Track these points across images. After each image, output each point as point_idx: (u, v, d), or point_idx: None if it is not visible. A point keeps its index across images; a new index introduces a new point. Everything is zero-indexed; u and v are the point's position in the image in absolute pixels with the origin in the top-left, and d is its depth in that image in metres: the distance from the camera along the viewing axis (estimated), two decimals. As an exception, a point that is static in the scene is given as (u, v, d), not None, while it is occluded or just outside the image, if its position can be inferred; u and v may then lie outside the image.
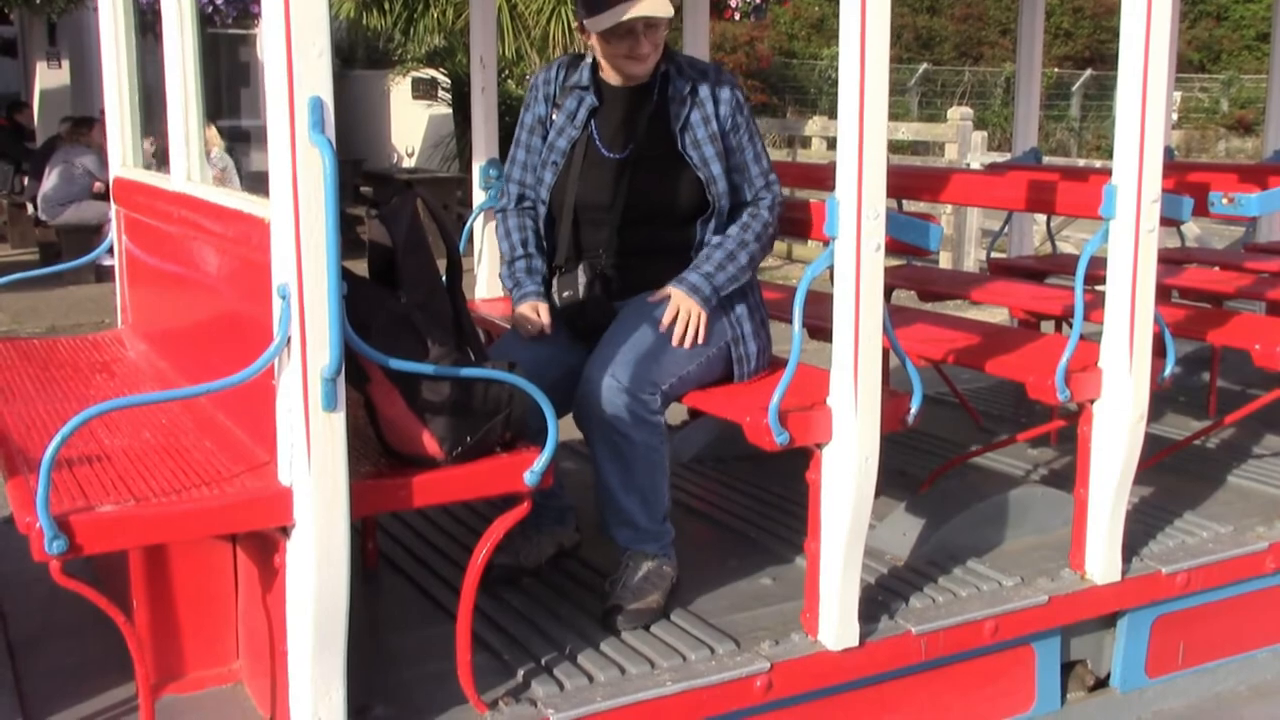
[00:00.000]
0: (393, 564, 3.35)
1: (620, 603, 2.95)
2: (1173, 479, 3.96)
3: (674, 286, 3.04)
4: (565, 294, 3.13)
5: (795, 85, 25.17)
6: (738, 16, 14.64)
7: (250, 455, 2.38)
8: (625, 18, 2.96)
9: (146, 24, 3.84)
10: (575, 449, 3.74)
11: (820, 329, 3.16)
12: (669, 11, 2.99)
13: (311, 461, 2.18)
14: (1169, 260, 4.85)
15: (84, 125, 12.13)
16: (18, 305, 10.01)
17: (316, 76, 2.09)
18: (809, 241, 13.82)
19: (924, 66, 25.50)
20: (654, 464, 3.01)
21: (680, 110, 3.10)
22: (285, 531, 2.25)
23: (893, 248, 2.88)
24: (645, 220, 3.13)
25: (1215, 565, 3.44)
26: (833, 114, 14.21)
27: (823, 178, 4.43)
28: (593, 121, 3.16)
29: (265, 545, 2.39)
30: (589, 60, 3.19)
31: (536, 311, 3.10)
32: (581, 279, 3.12)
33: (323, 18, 2.09)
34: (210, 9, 10.35)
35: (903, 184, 4.19)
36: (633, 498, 3.02)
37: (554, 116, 3.21)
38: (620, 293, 3.14)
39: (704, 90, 3.11)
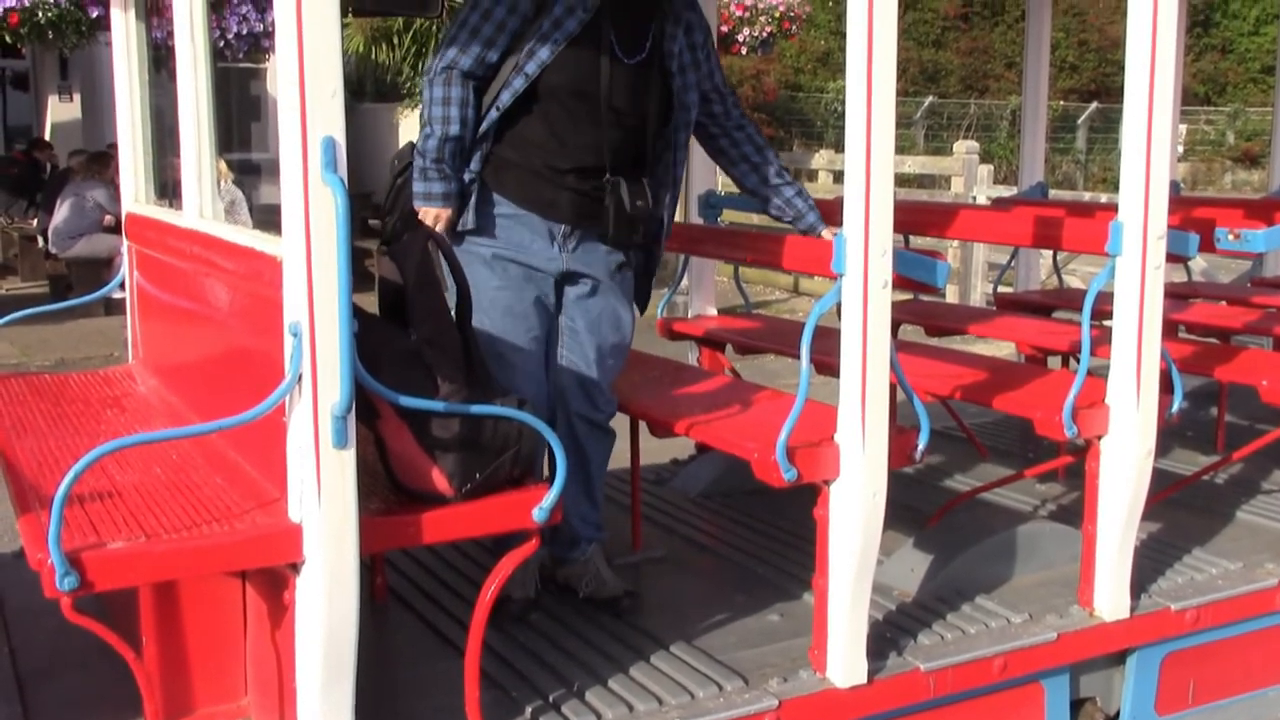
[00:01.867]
0: (401, 599, 3.35)
1: (623, 590, 3.24)
2: (1181, 515, 3.95)
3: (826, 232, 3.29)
4: (638, 203, 3.07)
5: (801, 118, 25.27)
6: (745, 50, 14.75)
7: (260, 491, 2.39)
8: None
9: (160, 59, 3.88)
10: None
11: (827, 364, 3.17)
12: None
13: (321, 498, 2.19)
14: (1175, 295, 4.86)
15: (100, 161, 12.21)
16: (27, 338, 10.06)
17: (329, 116, 2.11)
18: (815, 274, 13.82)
19: (930, 99, 25.60)
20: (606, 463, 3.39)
21: (674, 30, 3.11)
22: (295, 568, 2.26)
23: (900, 284, 2.89)
24: (655, 136, 3.15)
25: (1225, 602, 3.43)
26: (839, 147, 14.24)
27: (830, 213, 4.44)
28: (607, 15, 3.00)
29: (275, 581, 2.39)
30: None
31: (439, 220, 3.00)
32: (649, 194, 3.10)
33: (336, 59, 2.11)
34: (222, 43, 10.44)
35: (910, 219, 4.21)
36: (596, 497, 3.35)
37: None
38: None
39: (692, 16, 3.17)
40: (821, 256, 2.82)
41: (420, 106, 3.06)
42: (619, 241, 3.13)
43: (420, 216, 2.97)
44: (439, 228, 2.97)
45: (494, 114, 3.01)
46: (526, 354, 3.08)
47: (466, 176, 3.04)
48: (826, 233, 3.28)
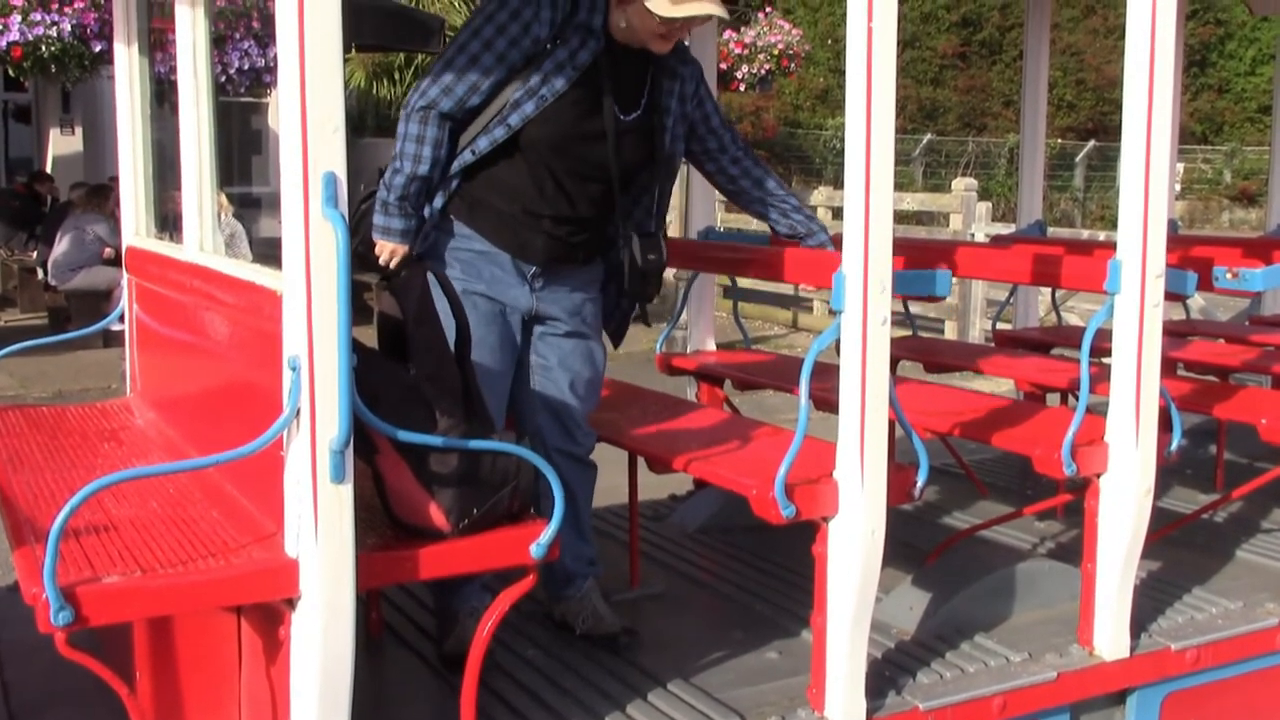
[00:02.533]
0: (397, 635, 3.33)
1: (620, 626, 3.22)
2: (1181, 553, 3.94)
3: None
4: (650, 257, 3.15)
5: (800, 155, 25.40)
6: (743, 87, 14.84)
7: (257, 526, 2.38)
8: (699, 13, 2.92)
9: (161, 93, 3.90)
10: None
11: (826, 400, 3.17)
12: (726, 14, 3.04)
13: (319, 533, 2.18)
14: (1174, 332, 4.86)
15: (100, 194, 12.25)
16: (25, 369, 10.05)
17: (331, 152, 2.12)
18: (814, 310, 13.92)
19: (928, 137, 25.74)
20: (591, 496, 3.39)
21: (670, 84, 3.15)
22: (291, 603, 2.24)
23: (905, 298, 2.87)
24: (645, 189, 3.20)
25: (1225, 642, 3.41)
26: (838, 184, 14.25)
27: (829, 249, 4.45)
28: (601, 73, 3.02)
29: (270, 617, 2.38)
30: (598, 1, 3.02)
31: (394, 255, 2.97)
32: (664, 247, 3.17)
33: (338, 95, 2.12)
34: (224, 78, 10.49)
35: (909, 257, 4.21)
36: (585, 531, 3.33)
37: (551, 45, 2.97)
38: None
39: (684, 69, 3.18)
40: (825, 267, 2.81)
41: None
42: (635, 295, 3.22)
43: (376, 250, 2.98)
44: (394, 263, 2.96)
45: (469, 156, 3.01)
46: (490, 389, 3.06)
47: (426, 211, 3.04)
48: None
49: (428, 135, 2.95)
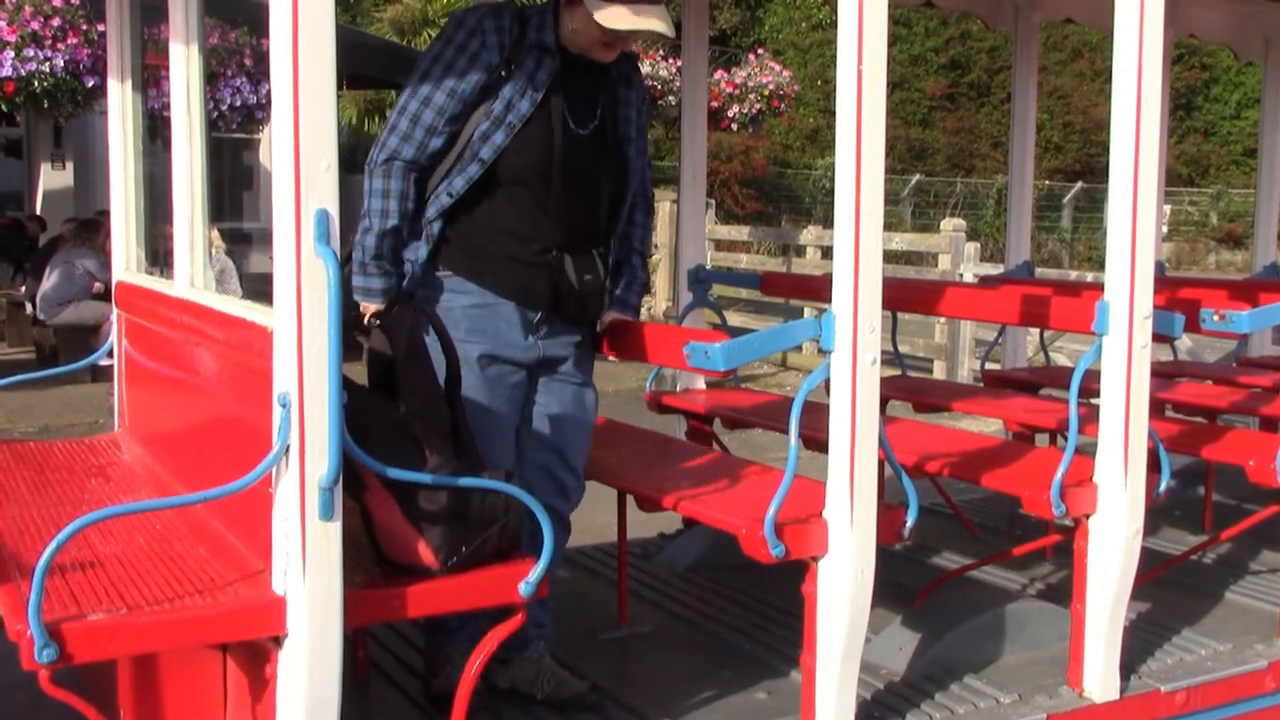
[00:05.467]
0: (383, 673, 3.31)
1: (587, 685, 3.10)
2: (1170, 594, 3.94)
3: (621, 315, 3.24)
4: (586, 278, 3.03)
5: (790, 194, 25.49)
6: (734, 127, 14.92)
7: (244, 563, 2.37)
8: (644, 28, 2.89)
9: (154, 129, 3.91)
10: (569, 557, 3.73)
11: (816, 440, 3.17)
12: (673, 32, 2.97)
13: (306, 571, 2.17)
14: (1162, 374, 4.88)
15: (90, 228, 12.24)
16: (12, 404, 10.00)
17: (323, 190, 2.13)
18: (804, 349, 13.92)
19: (917, 177, 25.87)
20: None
21: (625, 94, 3.13)
22: (277, 641, 2.23)
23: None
24: (611, 204, 3.12)
25: (1214, 684, 3.40)
26: (827, 223, 14.25)
27: (818, 288, 4.46)
28: (559, 89, 2.97)
29: (256, 654, 2.36)
30: (546, 18, 2.98)
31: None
32: (600, 266, 3.07)
33: (331, 133, 2.14)
34: (216, 115, 10.51)
35: (898, 296, 4.23)
36: (547, 598, 3.12)
37: (506, 71, 2.92)
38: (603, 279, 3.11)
39: (635, 76, 3.17)
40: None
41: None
42: (576, 318, 3.09)
43: (361, 310, 2.90)
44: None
45: (446, 199, 2.94)
46: (496, 446, 2.97)
47: (409, 263, 2.97)
48: (608, 316, 3.23)
49: (393, 189, 2.90)
